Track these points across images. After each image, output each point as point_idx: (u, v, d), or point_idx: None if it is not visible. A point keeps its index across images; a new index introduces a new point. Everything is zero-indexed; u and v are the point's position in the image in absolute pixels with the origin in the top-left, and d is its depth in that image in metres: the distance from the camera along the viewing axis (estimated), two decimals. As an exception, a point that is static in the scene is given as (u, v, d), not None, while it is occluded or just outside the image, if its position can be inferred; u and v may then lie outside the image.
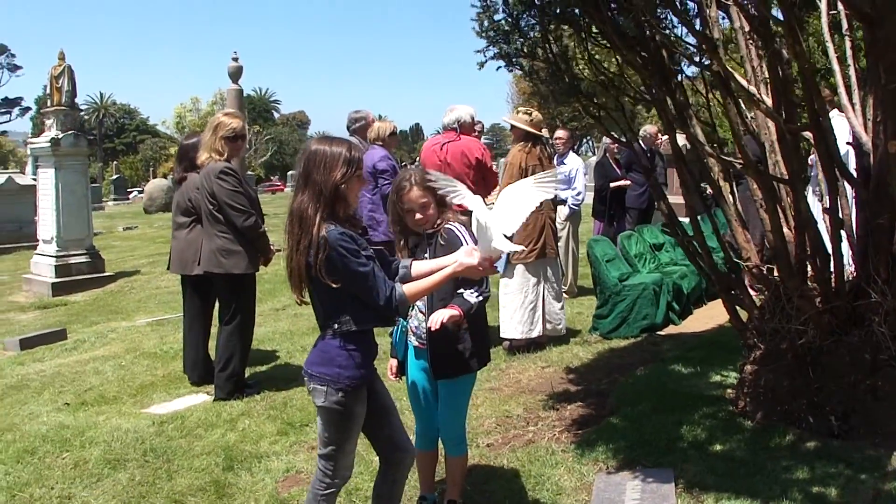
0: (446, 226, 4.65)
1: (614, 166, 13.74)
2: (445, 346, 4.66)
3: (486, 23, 5.84)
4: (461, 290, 4.48)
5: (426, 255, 4.62)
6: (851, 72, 5.89)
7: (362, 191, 9.23)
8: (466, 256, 4.06)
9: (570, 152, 12.41)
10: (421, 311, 4.72)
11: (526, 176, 8.38)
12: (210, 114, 62.90)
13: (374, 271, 3.90)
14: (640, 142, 13.05)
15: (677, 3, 5.50)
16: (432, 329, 4.28)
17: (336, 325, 3.99)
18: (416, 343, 4.85)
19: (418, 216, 4.62)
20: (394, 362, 5.05)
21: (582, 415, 6.54)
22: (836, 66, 5.78)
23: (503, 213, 4.08)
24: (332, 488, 4.23)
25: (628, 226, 13.07)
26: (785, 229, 5.72)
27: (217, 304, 8.05)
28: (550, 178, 4.21)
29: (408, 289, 3.97)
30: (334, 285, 3.86)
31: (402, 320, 4.82)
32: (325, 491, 4.22)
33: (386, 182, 9.28)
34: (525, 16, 5.86)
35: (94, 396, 7.98)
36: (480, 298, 4.50)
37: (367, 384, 4.15)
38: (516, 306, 8.72)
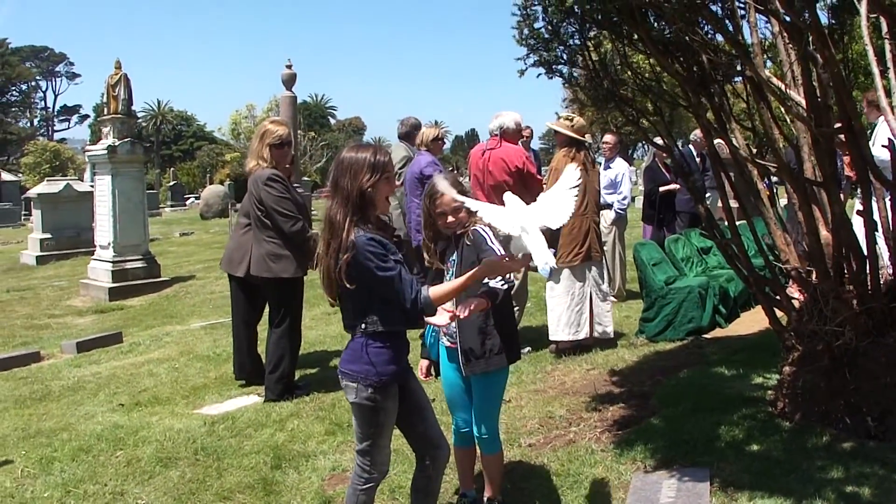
0: (473, 227, 4.72)
1: (663, 170, 13.72)
2: (475, 343, 4.79)
3: (525, 31, 5.92)
4: (486, 280, 4.49)
5: (454, 258, 4.75)
6: (891, 74, 5.90)
7: (411, 196, 9.46)
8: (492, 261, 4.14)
9: (618, 157, 12.46)
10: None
11: None
12: (265, 120, 63.36)
13: (402, 274, 4.02)
14: (691, 146, 13.07)
15: (713, 9, 5.55)
16: (461, 317, 4.37)
17: (363, 326, 4.13)
18: (448, 343, 4.96)
19: (450, 219, 4.70)
20: (424, 363, 5.16)
21: (623, 416, 6.60)
22: (875, 69, 5.80)
23: (544, 211, 4.14)
24: (371, 483, 4.38)
25: (679, 230, 13.03)
26: (823, 231, 5.76)
27: (266, 307, 8.24)
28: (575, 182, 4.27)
29: (433, 291, 4.07)
30: (358, 286, 4.03)
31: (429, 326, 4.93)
32: (364, 486, 4.37)
33: None
34: (564, 23, 5.94)
35: (148, 397, 8.18)
36: (506, 286, 4.55)
37: (400, 381, 4.28)
38: (563, 309, 8.79)
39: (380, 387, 4.16)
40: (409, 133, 10.63)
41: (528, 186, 8.90)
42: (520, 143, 13.85)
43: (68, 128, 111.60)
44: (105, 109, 17.93)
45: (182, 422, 7.26)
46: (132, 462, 6.37)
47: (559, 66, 6.15)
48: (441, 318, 4.32)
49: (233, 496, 5.66)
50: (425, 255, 4.94)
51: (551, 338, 8.87)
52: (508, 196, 4.22)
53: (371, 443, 4.31)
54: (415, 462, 4.60)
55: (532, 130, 14.70)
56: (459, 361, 4.86)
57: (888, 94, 5.77)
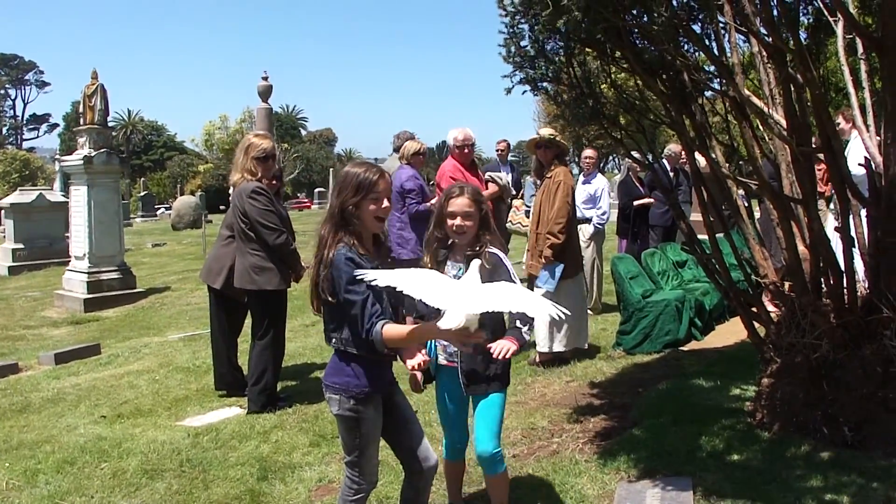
0: (491, 250, 4.67)
1: (637, 185, 13.88)
2: (478, 365, 4.72)
3: (512, 48, 5.98)
4: (518, 325, 4.51)
5: (459, 274, 4.63)
6: (866, 93, 6.04)
7: (392, 210, 9.56)
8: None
9: (597, 172, 12.58)
10: None
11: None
12: (238, 131, 63.41)
13: (364, 302, 4.04)
14: (665, 160, 13.22)
15: (696, 30, 5.67)
16: (497, 357, 4.30)
17: (334, 340, 4.22)
18: (445, 361, 4.88)
19: (458, 221, 4.68)
20: (419, 375, 4.93)
21: (605, 427, 6.68)
22: (851, 89, 5.93)
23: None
24: (361, 493, 4.42)
25: (652, 243, 13.16)
26: (800, 247, 5.87)
27: (247, 318, 8.31)
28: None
29: (387, 331, 4.01)
30: (332, 300, 4.10)
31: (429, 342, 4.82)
32: (354, 497, 4.41)
33: (413, 201, 9.56)
34: (550, 41, 6.02)
35: (130, 409, 8.20)
36: (529, 335, 4.56)
37: (383, 393, 4.34)
38: (556, 321, 8.78)
39: (361, 398, 4.21)
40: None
41: None
42: (497, 155, 14.09)
43: (37, 136, 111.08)
44: (81, 120, 17.89)
45: (166, 434, 7.27)
46: (118, 474, 6.36)
47: (544, 84, 6.24)
48: (415, 359, 4.26)
49: (221, 507, 5.70)
50: (424, 255, 4.92)
51: (545, 349, 8.88)
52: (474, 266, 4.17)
53: (358, 454, 4.35)
54: (403, 473, 4.65)
55: (508, 143, 14.80)
56: (459, 381, 4.79)
57: (863, 111, 5.93)
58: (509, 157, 15.05)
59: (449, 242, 4.87)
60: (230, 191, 8.68)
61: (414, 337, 4.07)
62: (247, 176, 7.70)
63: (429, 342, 4.80)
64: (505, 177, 12.28)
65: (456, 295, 3.83)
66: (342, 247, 4.11)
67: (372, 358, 4.20)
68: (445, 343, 4.81)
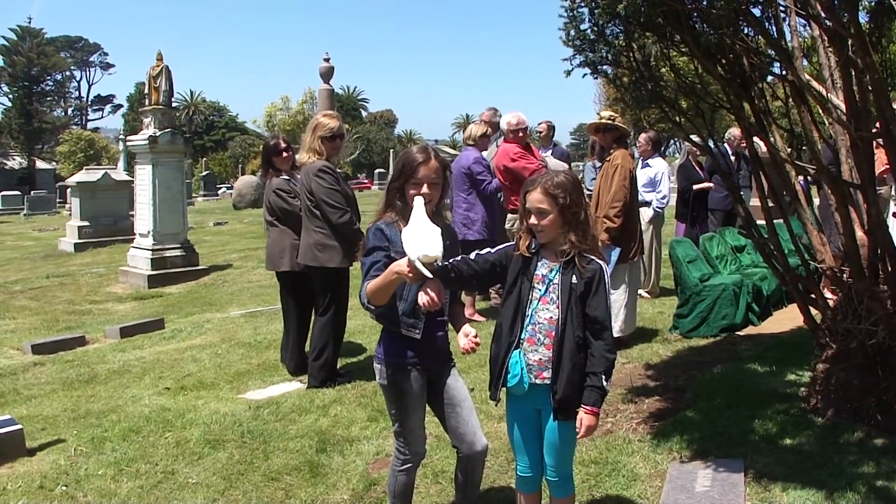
0: (589, 257, 4.15)
1: (697, 169, 13.80)
2: (573, 390, 4.12)
3: (572, 32, 6.00)
4: (604, 383, 4.06)
5: (551, 276, 4.18)
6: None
7: (457, 191, 9.66)
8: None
9: (657, 155, 12.54)
10: (545, 346, 4.17)
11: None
12: (300, 112, 63.87)
13: (372, 267, 4.24)
14: (726, 144, 13.11)
15: (755, 13, 5.66)
16: (578, 437, 4.19)
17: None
18: (536, 380, 4.21)
19: (532, 220, 4.13)
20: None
21: (659, 408, 6.74)
22: (912, 74, 5.91)
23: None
24: (408, 464, 4.58)
25: (712, 227, 13.09)
26: (859, 232, 5.86)
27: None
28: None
29: (368, 286, 4.21)
30: None
31: (515, 354, 4.22)
32: (402, 467, 4.59)
33: (486, 181, 9.72)
34: (610, 25, 6.04)
35: (193, 382, 8.41)
36: (609, 385, 4.12)
37: (425, 368, 4.47)
38: (621, 305, 8.88)
39: (396, 370, 4.41)
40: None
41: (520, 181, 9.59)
42: (539, 137, 14.17)
43: (101, 117, 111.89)
44: (146, 101, 18.13)
45: (227, 406, 7.46)
46: (181, 443, 6.58)
47: (604, 67, 6.26)
48: (462, 341, 4.28)
49: (280, 477, 5.85)
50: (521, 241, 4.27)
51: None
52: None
53: (400, 424, 4.54)
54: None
55: (549, 124, 14.68)
56: (549, 402, 4.18)
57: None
58: (569, 140, 15.05)
59: None
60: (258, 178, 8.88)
61: (382, 282, 4.17)
62: (313, 156, 7.81)
63: (516, 359, 4.24)
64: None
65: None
66: (381, 221, 4.35)
67: (394, 330, 4.42)
68: (537, 360, 4.20)
